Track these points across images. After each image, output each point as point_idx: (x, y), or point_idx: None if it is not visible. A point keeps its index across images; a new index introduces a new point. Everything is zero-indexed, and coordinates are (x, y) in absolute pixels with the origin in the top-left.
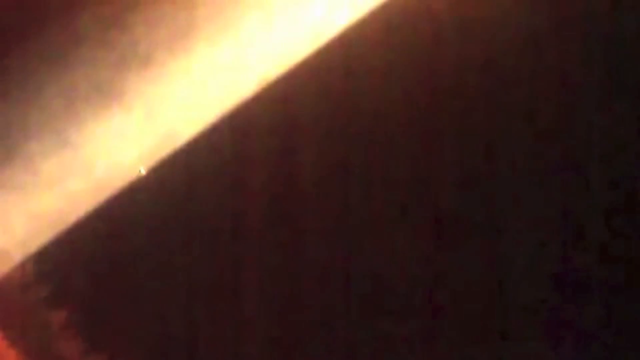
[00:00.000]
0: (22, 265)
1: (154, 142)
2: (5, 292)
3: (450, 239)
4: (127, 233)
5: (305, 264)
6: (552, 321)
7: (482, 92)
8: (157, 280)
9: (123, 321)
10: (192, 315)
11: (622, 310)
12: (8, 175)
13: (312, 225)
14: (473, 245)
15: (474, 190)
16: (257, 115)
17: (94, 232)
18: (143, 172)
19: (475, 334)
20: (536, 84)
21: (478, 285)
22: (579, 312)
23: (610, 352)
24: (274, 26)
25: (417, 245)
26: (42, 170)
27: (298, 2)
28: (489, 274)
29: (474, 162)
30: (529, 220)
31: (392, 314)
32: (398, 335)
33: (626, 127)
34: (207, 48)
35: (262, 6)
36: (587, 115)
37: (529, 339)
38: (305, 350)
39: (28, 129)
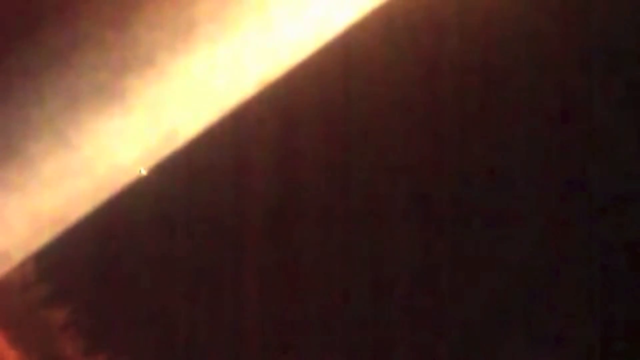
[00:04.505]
0: (22, 265)
1: (154, 142)
2: (5, 292)
3: (450, 238)
4: (127, 233)
5: (305, 263)
6: (551, 320)
7: (482, 91)
8: (157, 280)
9: (123, 321)
10: (192, 315)
11: (622, 310)
12: (8, 175)
13: (312, 225)
14: (473, 244)
15: (474, 189)
16: (257, 115)
17: (94, 232)
18: (143, 172)
19: (475, 334)
20: (536, 84)
21: (478, 284)
22: (578, 312)
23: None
24: (274, 26)
25: (417, 244)
26: (42, 170)
27: (298, 2)
28: (488, 273)
29: (474, 161)
30: (529, 220)
31: (393, 313)
32: (398, 335)
33: (626, 125)
34: (207, 48)
35: (262, 6)
36: (587, 114)
37: (528, 338)
38: (306, 350)
39: (28, 129)
